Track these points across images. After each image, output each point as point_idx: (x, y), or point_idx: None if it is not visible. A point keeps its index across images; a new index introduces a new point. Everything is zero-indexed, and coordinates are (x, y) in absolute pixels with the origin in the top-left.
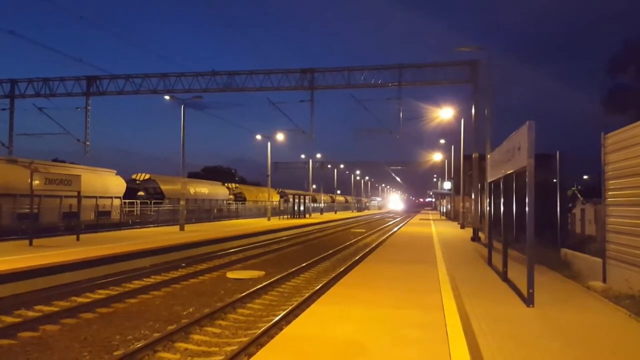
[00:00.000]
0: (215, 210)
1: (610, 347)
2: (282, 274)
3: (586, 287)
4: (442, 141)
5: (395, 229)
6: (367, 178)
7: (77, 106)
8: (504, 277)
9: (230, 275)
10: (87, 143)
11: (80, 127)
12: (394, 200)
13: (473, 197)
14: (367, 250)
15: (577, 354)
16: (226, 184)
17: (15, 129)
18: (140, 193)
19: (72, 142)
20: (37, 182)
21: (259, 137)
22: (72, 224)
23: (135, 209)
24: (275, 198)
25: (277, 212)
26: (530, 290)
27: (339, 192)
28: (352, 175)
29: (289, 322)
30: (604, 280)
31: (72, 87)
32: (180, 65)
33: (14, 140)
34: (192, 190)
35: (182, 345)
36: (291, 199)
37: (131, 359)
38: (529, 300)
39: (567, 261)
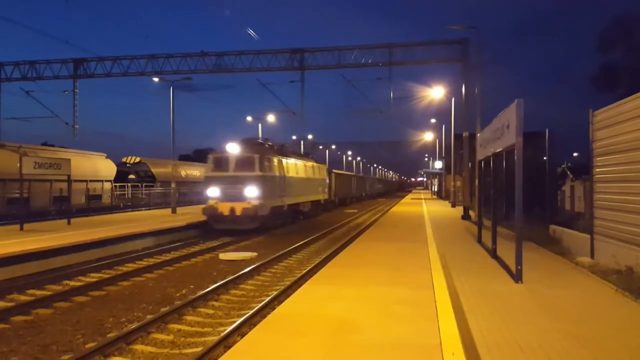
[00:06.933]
0: None
1: (597, 321)
2: (275, 255)
3: (574, 263)
4: (433, 120)
5: (387, 208)
6: (358, 158)
7: (65, 89)
8: (493, 254)
9: (223, 256)
10: (76, 126)
11: (68, 111)
12: None
13: (464, 175)
14: (359, 229)
15: (565, 329)
16: None
17: (3, 113)
18: (131, 176)
19: (61, 125)
20: (26, 166)
21: (249, 118)
22: (62, 208)
23: (126, 192)
24: None
25: None
26: (519, 267)
27: None
28: (344, 156)
29: (281, 302)
30: (592, 256)
31: (59, 70)
32: (169, 46)
33: (2, 125)
34: (183, 173)
35: (175, 326)
36: None
37: (125, 341)
38: (517, 277)
39: (555, 238)
